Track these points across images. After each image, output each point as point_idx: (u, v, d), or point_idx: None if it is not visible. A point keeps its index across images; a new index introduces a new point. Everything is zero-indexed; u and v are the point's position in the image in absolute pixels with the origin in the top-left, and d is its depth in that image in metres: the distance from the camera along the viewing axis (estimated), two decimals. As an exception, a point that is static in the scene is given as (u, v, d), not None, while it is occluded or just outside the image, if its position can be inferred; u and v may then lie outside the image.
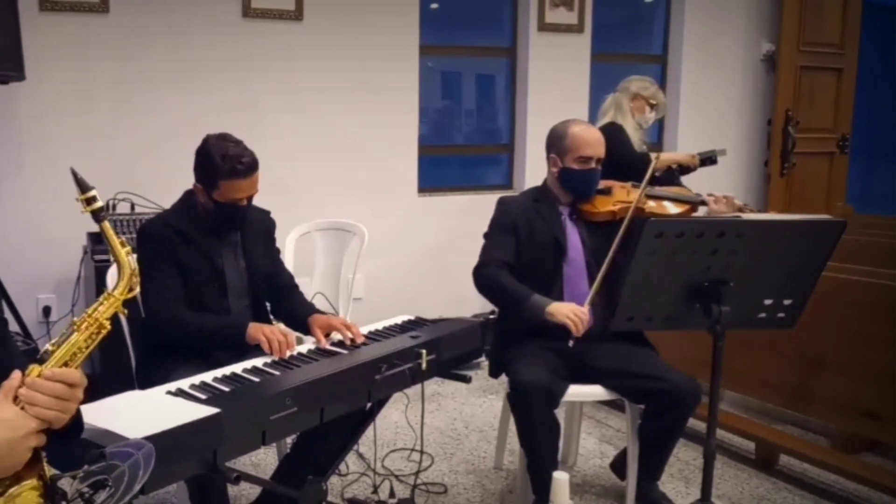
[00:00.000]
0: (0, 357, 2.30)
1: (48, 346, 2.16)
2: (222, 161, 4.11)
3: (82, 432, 2.29)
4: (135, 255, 2.47)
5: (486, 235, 4.89)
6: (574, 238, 4.81)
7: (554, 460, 4.52)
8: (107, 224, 2.31)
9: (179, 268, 4.23)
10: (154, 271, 4.18)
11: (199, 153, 4.25)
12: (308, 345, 4.17)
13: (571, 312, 4.38)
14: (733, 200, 4.78)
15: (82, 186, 2.28)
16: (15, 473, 2.02)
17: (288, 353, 3.92)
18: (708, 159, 6.84)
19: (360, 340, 4.14)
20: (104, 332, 2.24)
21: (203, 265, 4.29)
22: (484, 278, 4.73)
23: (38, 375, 2.05)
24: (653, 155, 5.34)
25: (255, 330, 4.00)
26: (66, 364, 2.14)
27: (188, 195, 4.43)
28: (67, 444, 2.20)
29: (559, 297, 4.73)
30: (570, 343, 4.46)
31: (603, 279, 4.45)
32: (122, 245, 2.32)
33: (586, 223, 4.85)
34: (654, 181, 5.07)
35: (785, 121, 9.47)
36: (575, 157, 4.73)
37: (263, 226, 4.68)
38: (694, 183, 6.84)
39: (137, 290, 2.36)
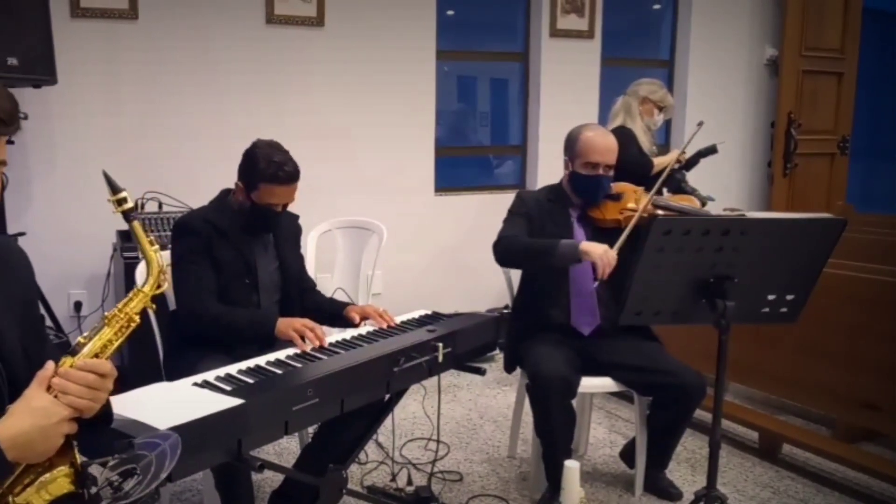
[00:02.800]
0: (36, 352, 2.32)
1: (80, 339, 2.17)
2: (266, 166, 4.15)
3: (112, 422, 2.30)
4: (164, 253, 2.47)
5: (503, 221, 4.88)
6: (581, 239, 4.76)
7: (568, 449, 4.54)
8: (136, 224, 2.32)
9: (213, 262, 4.23)
10: (189, 263, 4.19)
11: (246, 154, 4.28)
12: (336, 335, 4.16)
13: (604, 252, 4.35)
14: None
15: (113, 188, 2.29)
16: (48, 460, 2.04)
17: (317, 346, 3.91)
18: (707, 151, 6.80)
19: (393, 324, 4.24)
20: (134, 325, 2.25)
21: (236, 261, 4.29)
22: (505, 245, 4.71)
23: (71, 366, 2.07)
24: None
25: (285, 325, 3.98)
26: (97, 356, 2.15)
27: (224, 194, 4.45)
28: (97, 433, 2.21)
29: (566, 296, 4.77)
30: (595, 284, 4.51)
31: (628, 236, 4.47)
32: (151, 244, 2.33)
33: (593, 227, 4.84)
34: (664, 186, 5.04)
35: (787, 123, 9.44)
36: (582, 162, 4.72)
37: (293, 228, 4.71)
38: (700, 182, 6.84)
39: (166, 286, 2.37)
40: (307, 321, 4.00)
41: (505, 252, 4.73)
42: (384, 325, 4.21)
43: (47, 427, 1.99)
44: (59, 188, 6.62)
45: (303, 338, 3.91)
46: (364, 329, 4.22)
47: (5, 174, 6.06)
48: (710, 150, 6.77)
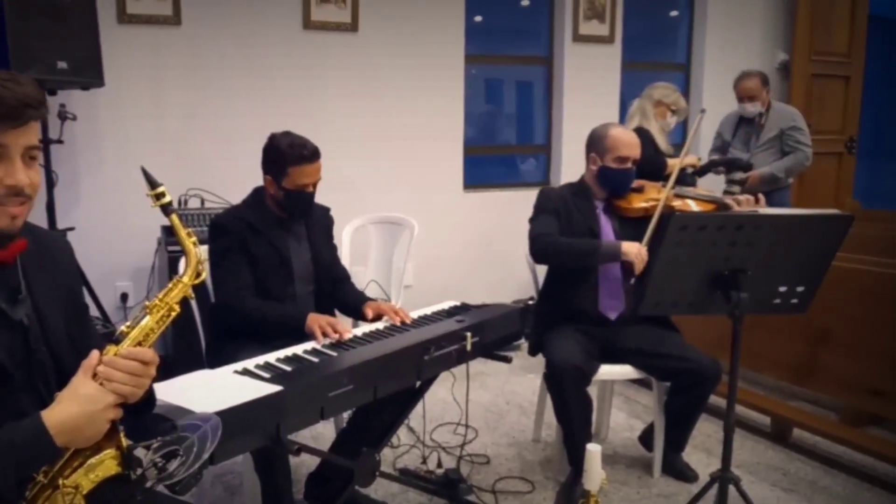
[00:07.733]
0: (81, 339, 2.33)
1: (123, 328, 2.18)
2: (290, 149, 4.17)
3: (154, 407, 2.31)
4: (204, 247, 2.47)
5: (531, 220, 4.86)
6: (607, 229, 4.80)
7: (587, 433, 4.51)
8: (175, 217, 2.33)
9: (249, 257, 4.23)
10: (226, 261, 4.20)
11: (267, 148, 4.28)
12: (363, 328, 4.15)
13: (639, 251, 4.50)
14: (756, 205, 4.76)
15: (152, 183, 2.31)
16: (95, 444, 2.05)
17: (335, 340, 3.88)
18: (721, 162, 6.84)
19: (408, 321, 4.17)
20: (174, 314, 2.26)
21: (271, 254, 4.29)
22: (545, 246, 4.69)
23: (115, 354, 2.07)
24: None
25: (312, 321, 3.96)
26: (139, 344, 2.16)
27: (257, 191, 4.44)
28: (142, 418, 2.22)
29: (594, 284, 4.77)
30: (631, 281, 4.64)
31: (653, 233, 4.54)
32: (189, 236, 2.36)
33: (619, 217, 4.84)
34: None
35: (798, 124, 9.40)
36: (614, 157, 4.73)
37: (325, 220, 4.69)
38: (714, 180, 6.82)
39: (204, 275, 2.38)
40: (332, 319, 3.98)
41: (545, 249, 4.71)
42: (398, 322, 4.17)
43: (94, 413, 2.00)
44: (106, 185, 6.65)
45: (325, 334, 3.90)
46: (388, 323, 4.21)
47: (55, 172, 6.11)
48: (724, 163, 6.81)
